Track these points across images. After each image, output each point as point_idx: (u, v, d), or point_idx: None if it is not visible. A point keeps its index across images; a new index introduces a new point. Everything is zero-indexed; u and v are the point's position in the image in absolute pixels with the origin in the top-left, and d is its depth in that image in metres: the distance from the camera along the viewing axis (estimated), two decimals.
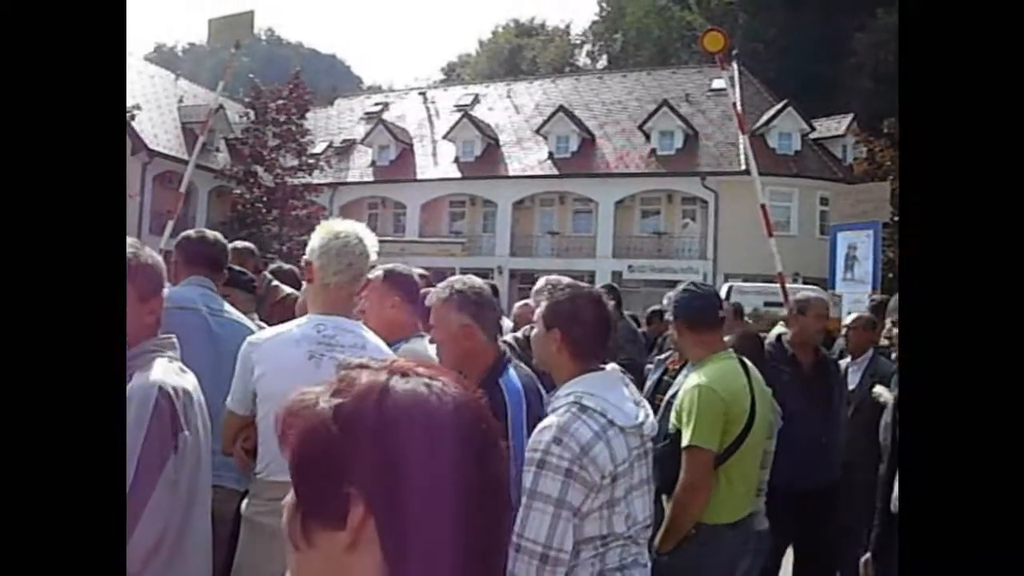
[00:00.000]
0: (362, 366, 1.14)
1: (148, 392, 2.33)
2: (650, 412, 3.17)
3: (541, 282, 4.54)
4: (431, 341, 3.66)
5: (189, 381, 2.53)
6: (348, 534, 1.05)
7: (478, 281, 3.62)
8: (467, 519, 1.07)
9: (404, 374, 1.12)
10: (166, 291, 3.94)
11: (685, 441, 3.75)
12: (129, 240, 2.47)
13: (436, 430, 1.07)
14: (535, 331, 3.24)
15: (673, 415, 3.98)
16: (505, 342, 5.16)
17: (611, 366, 3.16)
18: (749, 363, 4.17)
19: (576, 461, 2.76)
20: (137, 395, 2.30)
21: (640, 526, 3.03)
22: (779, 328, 6.22)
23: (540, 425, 2.90)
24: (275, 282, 5.74)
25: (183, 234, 4.37)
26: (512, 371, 3.44)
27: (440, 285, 3.60)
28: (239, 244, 5.85)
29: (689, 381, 3.92)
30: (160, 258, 2.62)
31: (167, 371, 2.46)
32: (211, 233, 4.38)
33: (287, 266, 6.60)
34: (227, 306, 4.10)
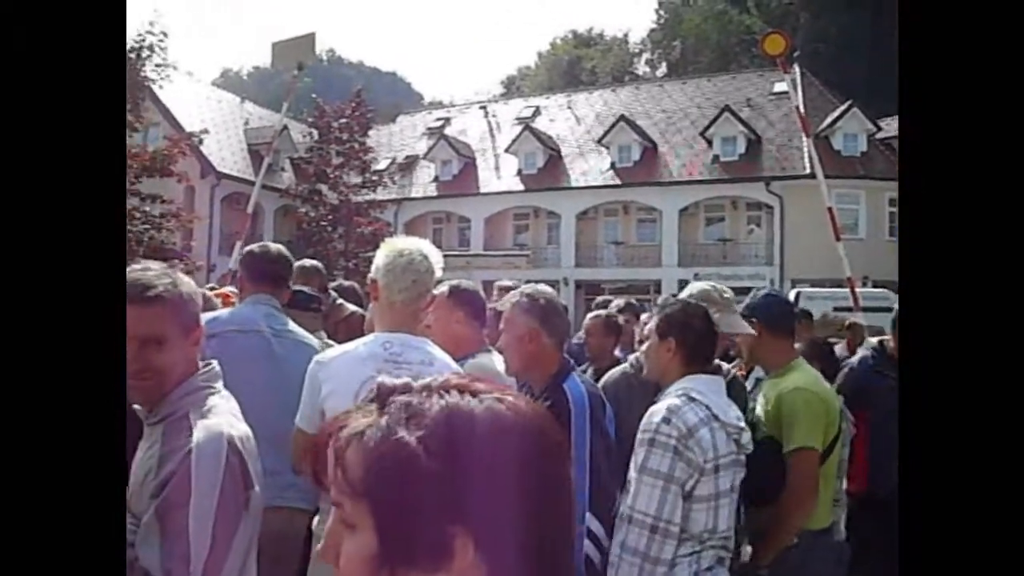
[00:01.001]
0: (407, 388, 1.06)
1: (218, 448, 2.10)
2: (746, 427, 3.31)
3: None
4: (499, 349, 3.71)
5: (242, 422, 2.31)
6: (449, 573, 0.98)
7: (548, 289, 3.72)
8: (553, 527, 1.04)
9: (473, 393, 1.04)
10: (228, 312, 3.98)
11: (792, 445, 3.73)
12: (162, 268, 2.34)
13: (525, 449, 1.02)
14: (648, 343, 3.47)
15: (763, 422, 3.95)
16: (629, 361, 5.14)
17: (720, 377, 3.40)
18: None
19: (682, 440, 3.01)
20: (207, 452, 2.09)
21: (731, 531, 3.22)
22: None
23: (650, 410, 3.16)
24: (339, 300, 5.78)
25: (246, 249, 4.36)
26: (576, 377, 3.50)
27: (512, 291, 3.71)
28: (306, 263, 5.89)
29: (781, 386, 3.89)
30: (195, 285, 2.45)
31: (229, 417, 2.25)
32: (274, 247, 4.36)
33: (348, 283, 6.65)
34: (291, 324, 4.08)
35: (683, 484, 3.01)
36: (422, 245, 3.42)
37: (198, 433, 2.11)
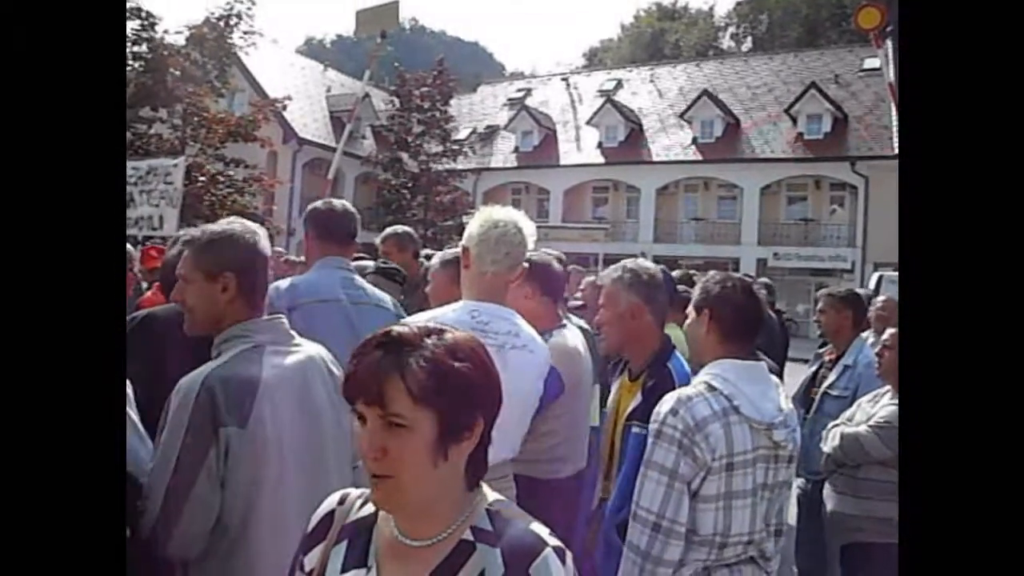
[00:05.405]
0: (427, 332, 1.54)
1: (190, 390, 2.34)
2: (793, 422, 3.00)
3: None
4: (599, 324, 3.64)
5: (265, 366, 2.48)
6: (470, 443, 1.53)
7: (651, 264, 3.60)
8: (500, 396, 1.59)
9: (451, 331, 1.57)
10: (305, 280, 3.87)
11: None
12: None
13: (488, 359, 1.58)
14: (688, 321, 3.15)
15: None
16: None
17: (761, 363, 3.05)
18: None
19: (687, 434, 2.77)
20: (180, 392, 2.34)
21: (765, 532, 2.93)
22: None
23: (663, 399, 2.92)
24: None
25: (310, 206, 4.17)
26: (680, 355, 3.42)
27: (613, 266, 3.61)
28: (399, 229, 5.90)
29: None
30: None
31: (234, 364, 2.44)
32: (338, 202, 4.17)
33: (431, 252, 6.68)
34: (367, 287, 3.99)
35: (688, 482, 2.78)
36: (517, 216, 3.35)
37: (184, 377, 2.38)
